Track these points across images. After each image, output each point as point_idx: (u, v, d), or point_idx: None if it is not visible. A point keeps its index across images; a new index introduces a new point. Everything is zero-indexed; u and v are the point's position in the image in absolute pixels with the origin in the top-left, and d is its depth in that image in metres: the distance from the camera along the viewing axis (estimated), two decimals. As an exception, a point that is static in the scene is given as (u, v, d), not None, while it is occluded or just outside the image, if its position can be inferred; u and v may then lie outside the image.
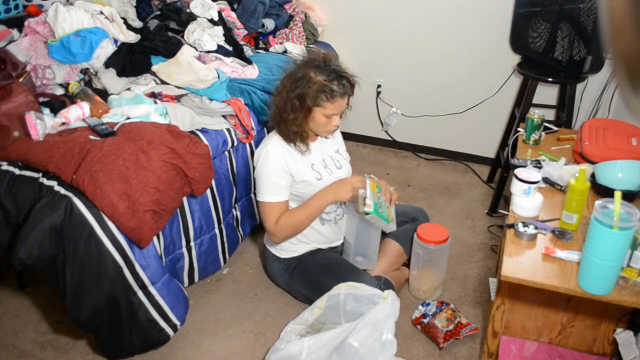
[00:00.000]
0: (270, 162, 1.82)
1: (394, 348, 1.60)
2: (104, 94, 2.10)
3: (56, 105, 1.95)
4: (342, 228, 2.05)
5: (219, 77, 2.19)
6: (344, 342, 1.58)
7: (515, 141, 2.11)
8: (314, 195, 1.86)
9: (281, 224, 1.85)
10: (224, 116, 2.13)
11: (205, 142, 1.94)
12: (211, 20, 2.56)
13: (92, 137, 1.73)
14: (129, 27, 2.44)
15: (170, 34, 2.43)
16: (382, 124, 3.25)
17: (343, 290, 1.76)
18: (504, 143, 2.79)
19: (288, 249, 2.00)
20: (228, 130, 2.08)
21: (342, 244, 2.07)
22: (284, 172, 1.83)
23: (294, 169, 1.85)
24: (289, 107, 1.78)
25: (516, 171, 1.62)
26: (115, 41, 2.30)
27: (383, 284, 1.86)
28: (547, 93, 2.76)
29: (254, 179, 1.91)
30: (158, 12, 2.61)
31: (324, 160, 1.95)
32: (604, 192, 1.58)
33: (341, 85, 1.75)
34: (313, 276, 1.93)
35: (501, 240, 2.02)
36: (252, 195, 2.34)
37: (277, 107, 1.83)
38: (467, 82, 2.95)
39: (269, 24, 2.90)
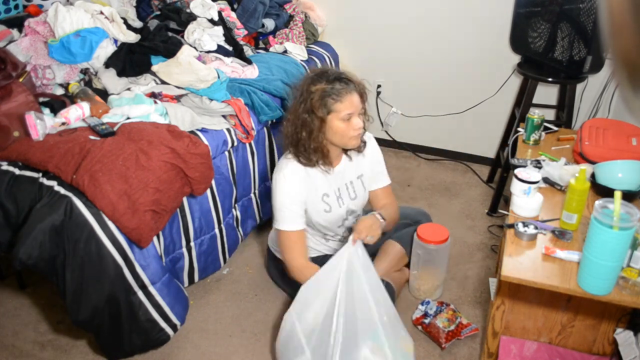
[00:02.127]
0: (287, 187, 1.73)
1: (384, 292, 1.62)
2: (104, 94, 2.10)
3: (56, 105, 1.95)
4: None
5: (219, 77, 2.19)
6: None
7: (515, 141, 2.11)
8: None
9: (307, 274, 1.66)
10: (224, 116, 2.13)
11: (205, 142, 1.94)
12: (211, 20, 2.56)
13: (92, 137, 1.74)
14: (129, 27, 2.44)
15: (170, 34, 2.43)
16: (382, 124, 3.24)
17: None
18: (504, 143, 2.79)
19: None
20: (228, 130, 2.08)
21: None
22: (299, 199, 1.74)
23: (307, 197, 1.78)
24: (299, 125, 1.69)
25: (516, 171, 1.62)
26: (115, 41, 2.30)
27: (385, 286, 1.86)
28: (547, 93, 2.75)
29: (273, 206, 1.79)
30: (158, 12, 2.61)
31: (339, 190, 1.84)
32: (604, 192, 1.58)
33: (343, 83, 1.66)
34: None
35: (501, 240, 2.02)
36: (252, 195, 2.34)
37: (287, 135, 1.74)
38: (467, 82, 2.94)
39: (269, 24, 2.90)
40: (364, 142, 1.84)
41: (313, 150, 1.71)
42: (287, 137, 1.75)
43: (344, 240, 1.97)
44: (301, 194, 1.75)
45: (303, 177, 1.76)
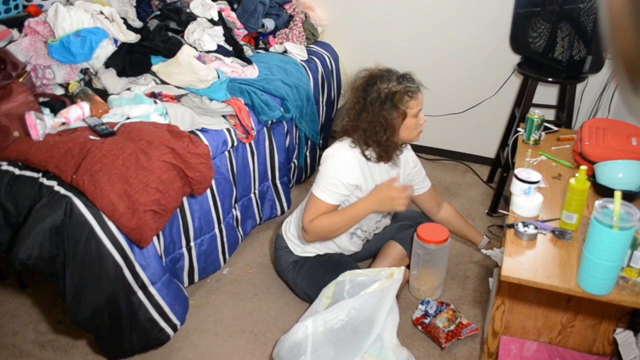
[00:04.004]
0: (346, 169, 1.75)
1: (396, 315, 1.63)
2: (104, 94, 2.10)
3: (56, 105, 1.95)
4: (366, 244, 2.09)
5: (219, 77, 2.19)
6: (348, 313, 1.61)
7: (515, 141, 2.11)
8: (355, 203, 1.80)
9: (316, 225, 1.77)
10: (224, 116, 2.13)
11: (205, 142, 1.94)
12: (211, 20, 2.56)
13: (92, 137, 1.74)
14: (129, 27, 2.44)
15: (170, 34, 2.43)
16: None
17: (348, 277, 1.76)
18: (504, 143, 2.79)
19: (305, 250, 1.99)
20: (228, 130, 2.08)
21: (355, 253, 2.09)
22: (351, 184, 1.76)
23: (362, 185, 1.80)
24: (381, 124, 1.70)
25: (516, 171, 1.62)
26: (115, 41, 2.30)
27: None
28: (547, 93, 2.76)
29: (321, 172, 1.80)
30: (158, 12, 2.61)
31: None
32: (604, 192, 1.58)
33: (411, 81, 1.73)
34: (319, 276, 1.91)
35: (501, 240, 2.02)
36: (252, 195, 2.34)
37: (367, 136, 1.73)
38: (467, 82, 2.95)
39: (269, 24, 2.90)
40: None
41: (394, 147, 1.77)
42: (363, 138, 1.75)
43: (365, 241, 2.05)
44: (356, 180, 1.77)
45: (363, 165, 1.79)
